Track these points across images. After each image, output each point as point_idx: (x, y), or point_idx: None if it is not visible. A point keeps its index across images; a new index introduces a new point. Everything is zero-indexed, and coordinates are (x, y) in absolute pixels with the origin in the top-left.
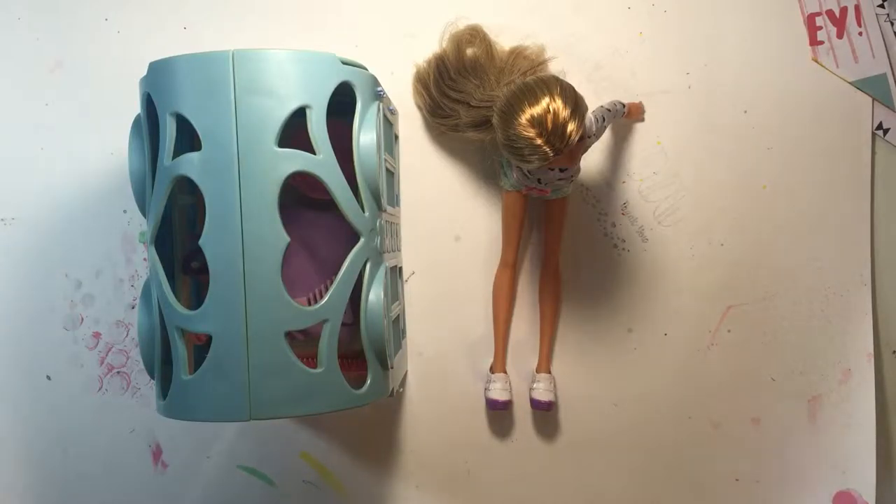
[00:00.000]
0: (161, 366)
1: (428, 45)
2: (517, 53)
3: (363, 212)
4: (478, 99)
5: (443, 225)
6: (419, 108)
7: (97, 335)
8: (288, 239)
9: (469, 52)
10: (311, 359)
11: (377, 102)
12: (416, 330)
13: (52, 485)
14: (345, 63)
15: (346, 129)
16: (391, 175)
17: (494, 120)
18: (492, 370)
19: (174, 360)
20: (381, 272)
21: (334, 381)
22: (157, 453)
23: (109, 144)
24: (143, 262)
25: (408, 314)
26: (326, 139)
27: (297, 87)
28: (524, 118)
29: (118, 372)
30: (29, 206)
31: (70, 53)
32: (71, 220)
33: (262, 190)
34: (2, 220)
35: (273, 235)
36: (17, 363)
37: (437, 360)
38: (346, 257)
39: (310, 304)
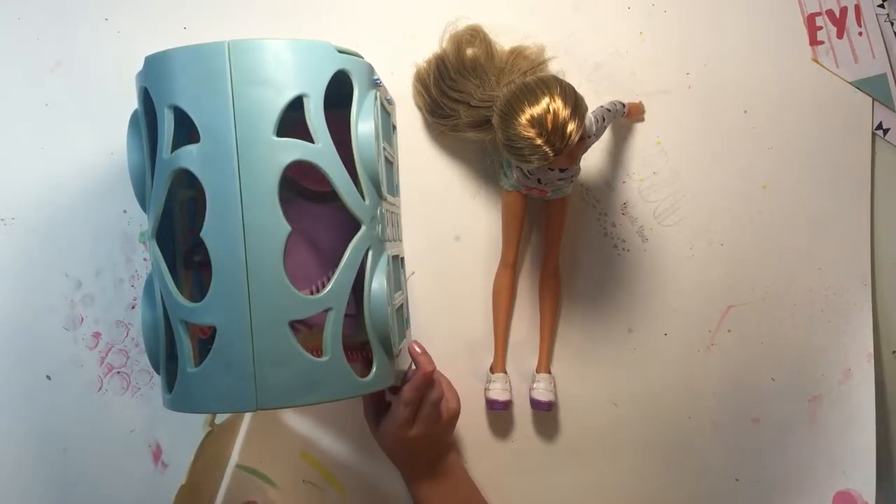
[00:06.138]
0: (166, 360)
1: (428, 45)
2: (517, 53)
3: (363, 199)
4: (478, 99)
5: (443, 225)
6: (419, 108)
7: (97, 335)
8: (289, 228)
9: (469, 52)
10: (314, 351)
11: (374, 90)
12: (416, 330)
13: (52, 485)
14: (340, 51)
15: (343, 122)
16: (390, 164)
17: (494, 120)
18: (492, 370)
19: (179, 353)
20: (384, 260)
21: (340, 368)
22: (157, 453)
23: (109, 144)
24: (143, 262)
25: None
26: (325, 128)
27: (293, 75)
28: (524, 118)
29: (118, 372)
30: (29, 206)
31: (70, 53)
32: (71, 220)
33: (262, 180)
34: (2, 220)
35: (274, 225)
36: (17, 363)
37: (436, 360)
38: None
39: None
